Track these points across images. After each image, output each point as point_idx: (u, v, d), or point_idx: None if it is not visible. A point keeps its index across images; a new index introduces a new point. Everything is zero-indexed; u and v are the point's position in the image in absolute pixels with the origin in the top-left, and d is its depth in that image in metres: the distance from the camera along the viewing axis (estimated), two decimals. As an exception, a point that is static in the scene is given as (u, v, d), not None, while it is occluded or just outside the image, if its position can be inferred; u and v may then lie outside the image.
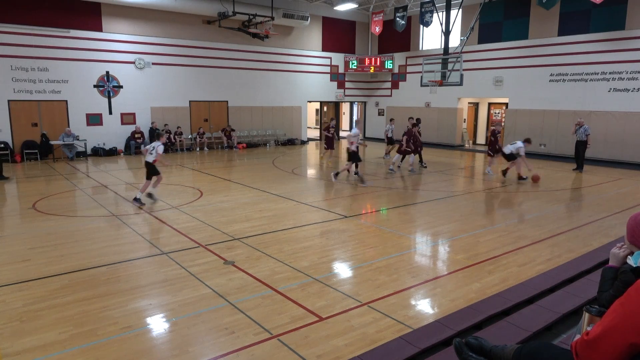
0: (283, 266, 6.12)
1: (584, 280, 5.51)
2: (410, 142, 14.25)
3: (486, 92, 20.88)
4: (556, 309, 4.68)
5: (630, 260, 2.23)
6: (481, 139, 23.21)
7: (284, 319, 4.59)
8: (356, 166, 13.22)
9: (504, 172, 13.08)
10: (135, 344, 4.15)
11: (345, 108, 29.68)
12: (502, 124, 13.86)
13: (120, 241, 7.26)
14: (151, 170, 9.60)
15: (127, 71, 18.34)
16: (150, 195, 9.80)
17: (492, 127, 14.26)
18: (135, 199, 9.66)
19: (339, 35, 24.58)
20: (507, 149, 12.77)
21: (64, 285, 5.43)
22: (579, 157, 14.83)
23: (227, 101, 21.21)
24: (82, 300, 5.03)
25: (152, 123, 18.93)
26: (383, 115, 25.64)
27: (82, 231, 7.82)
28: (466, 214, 9.37)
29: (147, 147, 9.76)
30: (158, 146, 9.54)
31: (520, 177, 12.75)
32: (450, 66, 15.59)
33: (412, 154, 14.44)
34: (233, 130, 20.94)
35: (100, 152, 17.87)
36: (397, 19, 20.71)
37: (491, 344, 2.73)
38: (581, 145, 14.64)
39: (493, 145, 13.79)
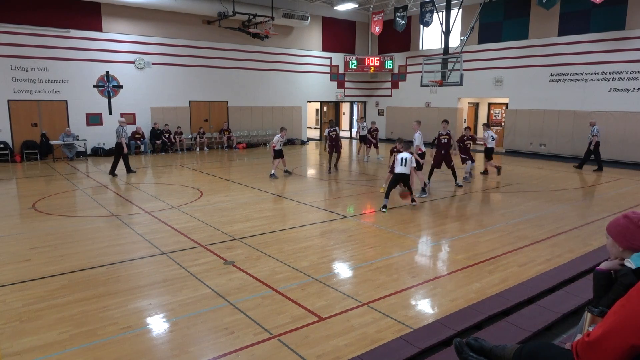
0: (283, 266, 6.11)
1: (584, 280, 5.50)
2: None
3: (486, 92, 20.88)
4: (556, 309, 4.68)
5: (630, 263, 2.22)
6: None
7: (284, 319, 4.59)
8: None
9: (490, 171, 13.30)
10: (135, 344, 4.14)
11: (345, 108, 29.68)
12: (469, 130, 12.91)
13: (120, 241, 7.26)
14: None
15: (127, 71, 18.33)
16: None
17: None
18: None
19: (339, 35, 24.57)
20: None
21: (64, 285, 5.43)
22: (596, 157, 14.86)
23: (227, 101, 21.21)
24: (82, 300, 5.03)
25: (155, 124, 18.94)
26: (383, 115, 25.65)
27: (82, 231, 7.81)
28: (466, 214, 9.37)
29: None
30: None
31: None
32: (450, 66, 15.58)
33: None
34: (230, 132, 20.91)
35: (100, 152, 17.88)
36: (397, 19, 20.71)
37: (491, 344, 2.72)
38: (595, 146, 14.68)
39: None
